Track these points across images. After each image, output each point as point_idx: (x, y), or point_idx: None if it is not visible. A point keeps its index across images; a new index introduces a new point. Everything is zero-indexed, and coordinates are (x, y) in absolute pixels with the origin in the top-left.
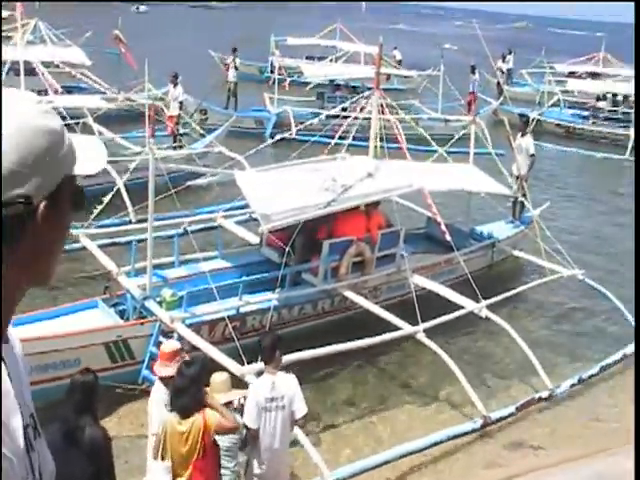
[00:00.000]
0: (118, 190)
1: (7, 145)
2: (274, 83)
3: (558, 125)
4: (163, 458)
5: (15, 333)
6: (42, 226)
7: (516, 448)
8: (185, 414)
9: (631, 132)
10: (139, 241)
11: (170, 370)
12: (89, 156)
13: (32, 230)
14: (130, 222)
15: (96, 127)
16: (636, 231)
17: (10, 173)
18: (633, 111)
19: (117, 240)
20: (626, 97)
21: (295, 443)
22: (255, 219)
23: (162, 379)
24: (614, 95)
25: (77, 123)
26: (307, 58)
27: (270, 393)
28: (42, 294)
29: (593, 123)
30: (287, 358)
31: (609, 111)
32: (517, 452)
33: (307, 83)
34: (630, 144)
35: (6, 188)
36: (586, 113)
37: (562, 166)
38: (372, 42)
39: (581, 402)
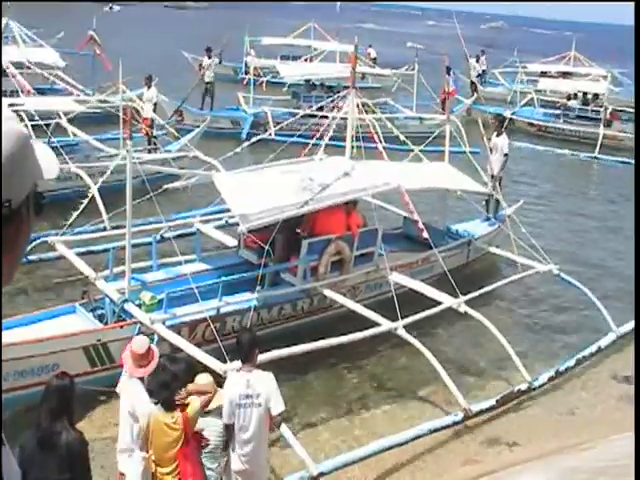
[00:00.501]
0: (92, 195)
1: None
2: (248, 83)
3: (531, 124)
4: (142, 448)
5: None
6: (18, 229)
7: (492, 444)
8: (169, 408)
9: (600, 130)
10: (116, 248)
11: (146, 370)
12: (44, 161)
13: (9, 231)
14: (105, 229)
15: (70, 129)
16: (636, 230)
17: None
18: (602, 109)
19: (93, 249)
20: (596, 95)
21: (279, 439)
22: (232, 224)
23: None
24: (585, 94)
25: (48, 125)
26: (282, 58)
27: (245, 390)
28: (20, 301)
29: (564, 122)
30: (266, 356)
31: (579, 109)
32: (493, 448)
33: (283, 83)
34: (599, 142)
35: None
36: (557, 112)
37: (535, 165)
38: (346, 41)
39: (556, 396)
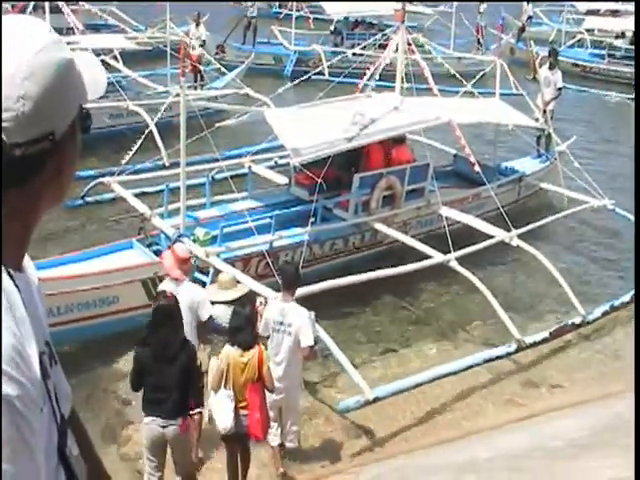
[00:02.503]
0: (149, 131)
1: (33, 83)
2: (285, 18)
3: (575, 65)
4: (225, 387)
5: (52, 272)
6: (63, 155)
7: (533, 386)
8: (246, 348)
9: None
10: (171, 189)
11: (181, 274)
12: (91, 78)
13: (54, 160)
14: (164, 166)
15: (117, 65)
16: (636, 219)
17: (37, 111)
18: None
19: (148, 190)
20: None
21: (336, 365)
22: (281, 165)
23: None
24: (634, 33)
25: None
26: None
27: (279, 317)
28: (76, 239)
29: (609, 62)
30: (320, 286)
31: (626, 49)
32: (534, 390)
33: (321, 19)
34: None
35: (33, 126)
36: (603, 52)
37: (577, 107)
38: None
39: (607, 337)
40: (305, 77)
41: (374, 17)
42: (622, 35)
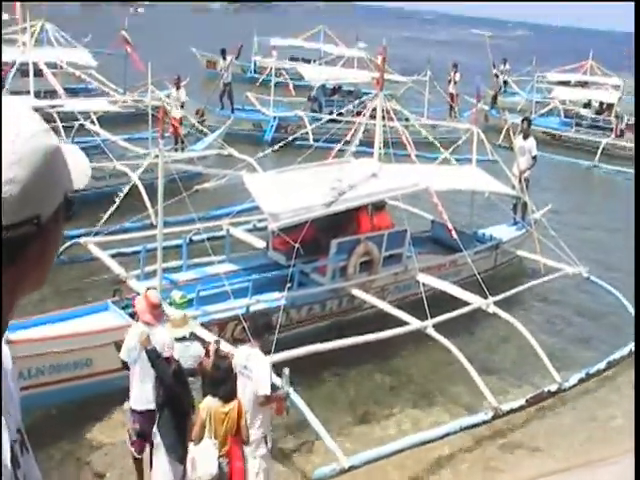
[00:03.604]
0: (134, 191)
1: (21, 168)
2: (262, 83)
3: (544, 132)
4: (209, 436)
5: (24, 334)
6: (47, 239)
7: (514, 450)
8: (227, 400)
9: (603, 139)
10: (148, 250)
11: (152, 319)
12: (76, 167)
13: (38, 243)
14: (152, 225)
15: (95, 129)
16: (636, 232)
17: (25, 195)
18: (613, 118)
19: (125, 250)
20: (609, 106)
21: (311, 433)
22: (260, 228)
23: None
24: (601, 103)
25: (72, 126)
26: (291, 59)
27: (244, 362)
28: (52, 299)
29: (576, 131)
30: (296, 352)
31: (592, 119)
32: (515, 455)
33: (305, 86)
34: (599, 150)
35: (20, 209)
36: (572, 121)
37: (549, 173)
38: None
39: (584, 403)
40: (286, 141)
41: (351, 84)
42: (589, 104)
